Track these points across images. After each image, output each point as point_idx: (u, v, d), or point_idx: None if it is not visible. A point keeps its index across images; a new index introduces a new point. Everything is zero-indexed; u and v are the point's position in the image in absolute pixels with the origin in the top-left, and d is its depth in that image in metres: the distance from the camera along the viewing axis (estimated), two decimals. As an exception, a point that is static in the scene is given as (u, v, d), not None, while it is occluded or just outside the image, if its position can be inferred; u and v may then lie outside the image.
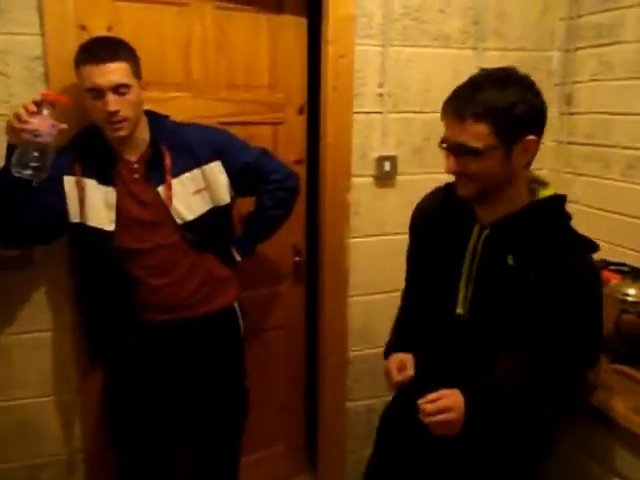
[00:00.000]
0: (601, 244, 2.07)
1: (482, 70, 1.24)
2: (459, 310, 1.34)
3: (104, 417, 1.89)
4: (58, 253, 1.76)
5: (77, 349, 1.85)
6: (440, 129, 2.10)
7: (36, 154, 1.41)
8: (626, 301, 1.68)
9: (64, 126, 1.46)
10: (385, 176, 2.11)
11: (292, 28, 2.06)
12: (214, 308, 1.77)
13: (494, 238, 1.28)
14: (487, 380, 1.28)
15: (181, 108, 1.87)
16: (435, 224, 1.42)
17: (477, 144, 1.15)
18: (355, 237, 2.13)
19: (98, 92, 1.50)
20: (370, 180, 2.11)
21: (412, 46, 2.05)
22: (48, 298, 1.81)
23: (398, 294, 2.19)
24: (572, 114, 2.18)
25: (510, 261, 1.24)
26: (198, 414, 1.85)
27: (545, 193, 1.29)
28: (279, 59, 2.06)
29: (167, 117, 1.72)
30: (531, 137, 1.18)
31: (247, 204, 1.87)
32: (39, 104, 1.42)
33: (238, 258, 1.82)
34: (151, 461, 1.84)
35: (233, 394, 1.91)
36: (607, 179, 2.04)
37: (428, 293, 1.45)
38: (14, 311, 1.79)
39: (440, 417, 1.23)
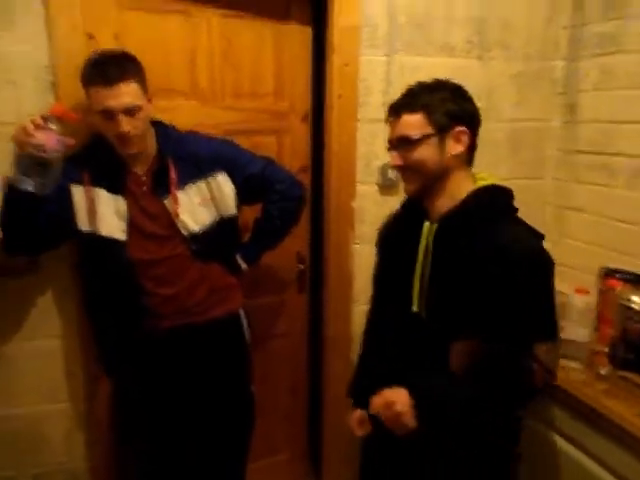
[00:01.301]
0: (606, 252, 2.10)
1: (417, 82, 1.37)
2: (415, 308, 1.38)
3: (112, 425, 1.90)
4: (64, 259, 1.77)
5: (84, 357, 1.86)
6: (444, 138, 2.14)
7: (40, 168, 1.42)
8: (631, 308, 1.68)
9: (71, 142, 1.47)
10: (389, 184, 2.11)
11: (297, 37, 2.07)
12: (220, 315, 1.77)
13: (443, 233, 1.35)
14: (432, 374, 1.33)
15: (187, 116, 1.88)
16: (395, 236, 1.51)
17: (413, 132, 1.29)
18: (359, 244, 2.14)
19: (110, 114, 1.50)
20: (374, 188, 2.11)
21: (417, 55, 2.06)
22: (55, 305, 1.81)
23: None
24: (576, 123, 2.19)
25: (459, 254, 1.30)
26: (206, 420, 1.84)
27: (483, 183, 1.37)
28: (284, 68, 2.08)
29: (173, 127, 1.72)
30: (461, 127, 1.31)
31: (252, 212, 1.88)
32: (46, 119, 1.44)
33: (244, 266, 1.82)
34: (161, 468, 1.84)
35: (241, 400, 1.91)
36: (612, 187, 2.04)
37: (389, 301, 1.51)
38: (21, 318, 1.79)
39: (388, 412, 1.29)
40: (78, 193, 1.60)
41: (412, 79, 2.01)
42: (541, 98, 2.25)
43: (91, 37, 1.75)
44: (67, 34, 1.69)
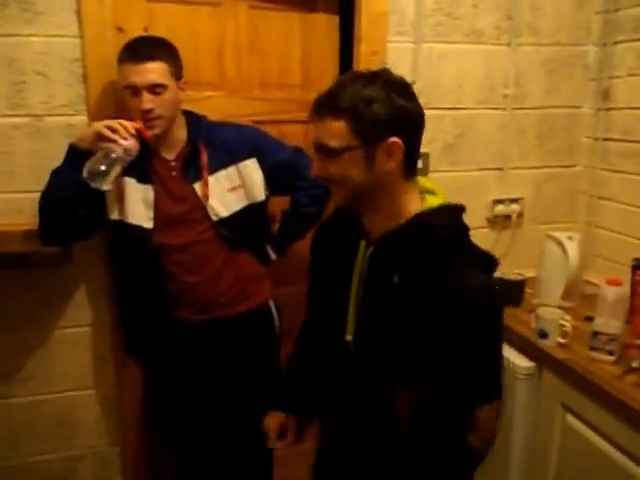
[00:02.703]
0: (637, 242, 2.06)
1: (352, 70, 1.17)
2: (348, 337, 1.19)
3: (142, 411, 1.93)
4: (95, 249, 1.80)
5: (114, 344, 1.90)
6: (473, 125, 2.12)
7: (117, 167, 1.51)
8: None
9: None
10: (417, 173, 2.09)
11: (324, 26, 2.06)
12: (250, 306, 1.78)
13: (379, 256, 1.14)
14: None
15: (215, 107, 1.89)
16: (331, 247, 1.29)
17: (334, 143, 1.04)
18: (387, 235, 2.13)
19: (134, 90, 1.54)
20: (402, 177, 2.10)
21: (444, 42, 2.03)
22: (87, 294, 1.86)
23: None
24: (608, 110, 2.14)
25: (396, 280, 1.10)
26: (234, 410, 1.86)
27: (433, 202, 1.14)
28: (311, 57, 2.07)
29: (204, 117, 1.74)
30: (394, 139, 1.04)
31: (280, 203, 1.88)
32: (136, 129, 1.54)
33: (273, 256, 1.84)
34: (191, 453, 1.87)
35: (270, 390, 1.92)
36: (646, 176, 2.00)
37: (320, 321, 1.33)
38: (54, 307, 1.84)
39: None
40: (110, 183, 1.62)
41: (440, 66, 2.05)
42: (572, 84, 2.20)
43: (121, 30, 1.76)
44: (97, 27, 1.72)
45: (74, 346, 1.88)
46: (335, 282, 1.22)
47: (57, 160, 1.60)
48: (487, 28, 2.06)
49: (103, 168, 1.48)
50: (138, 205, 1.64)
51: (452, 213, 1.14)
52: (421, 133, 1.11)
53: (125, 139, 1.51)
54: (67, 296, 1.84)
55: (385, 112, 1.02)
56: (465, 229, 1.15)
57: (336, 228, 1.27)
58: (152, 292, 1.71)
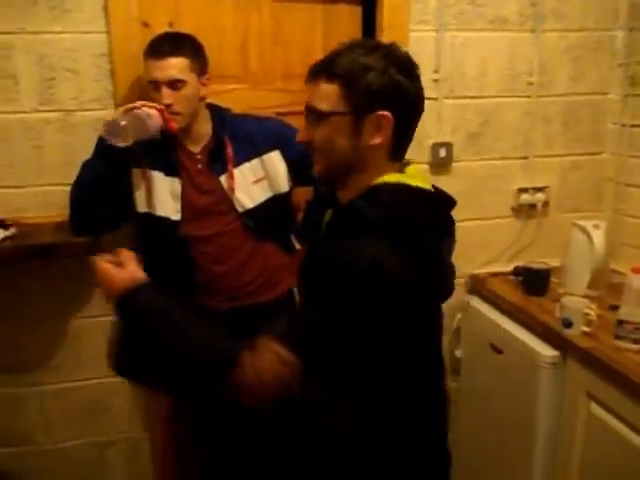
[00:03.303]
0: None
1: (356, 39, 1.11)
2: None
3: (170, 402, 1.98)
4: (124, 240, 1.84)
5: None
6: (497, 113, 2.10)
7: (137, 130, 1.54)
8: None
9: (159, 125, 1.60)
10: (441, 162, 2.10)
11: (347, 17, 2.06)
12: (276, 294, 1.81)
13: (332, 225, 1.10)
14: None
15: (239, 100, 1.92)
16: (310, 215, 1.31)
17: (323, 106, 1.02)
18: (410, 224, 2.13)
19: (156, 84, 1.59)
20: (425, 167, 2.10)
21: (468, 30, 2.02)
22: (116, 284, 1.90)
23: (460, 281, 2.20)
24: (636, 96, 2.10)
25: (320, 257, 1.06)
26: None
27: (388, 179, 1.04)
28: (334, 47, 2.07)
29: (228, 110, 1.77)
30: (384, 113, 1.00)
31: (304, 194, 1.90)
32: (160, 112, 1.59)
33: (298, 246, 1.86)
34: (216, 441, 1.92)
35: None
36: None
37: None
38: (83, 296, 1.90)
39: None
40: (137, 176, 1.67)
41: (463, 54, 2.04)
42: (599, 70, 2.17)
43: (146, 25, 1.80)
44: (123, 23, 1.75)
45: (103, 334, 1.92)
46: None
47: (86, 154, 1.65)
48: (511, 15, 2.04)
49: (123, 123, 1.52)
50: (166, 198, 1.68)
51: (401, 192, 1.03)
52: (416, 115, 1.07)
53: (149, 107, 1.56)
54: (95, 285, 1.88)
55: (379, 83, 0.99)
56: (411, 218, 1.00)
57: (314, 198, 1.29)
58: (180, 282, 1.74)
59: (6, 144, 1.75)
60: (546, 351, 1.76)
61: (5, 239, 1.61)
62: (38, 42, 1.71)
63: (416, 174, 1.10)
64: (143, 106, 1.57)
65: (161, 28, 1.79)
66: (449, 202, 1.12)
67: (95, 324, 1.91)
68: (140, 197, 1.68)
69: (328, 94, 1.01)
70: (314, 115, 1.03)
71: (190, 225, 1.70)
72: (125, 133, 1.53)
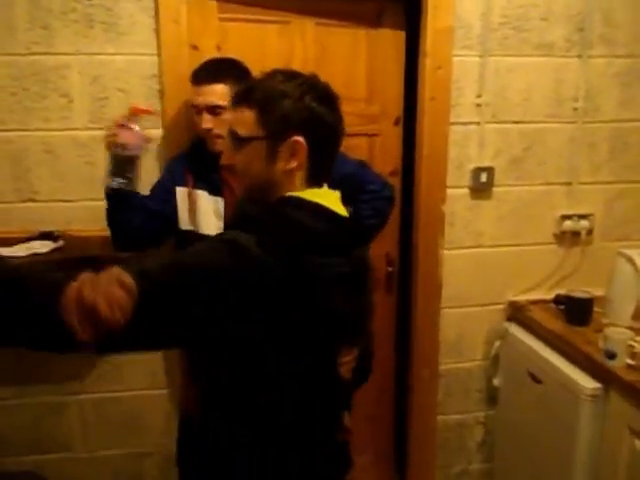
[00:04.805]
0: None
1: (277, 68, 1.12)
2: None
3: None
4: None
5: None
6: (541, 138, 2.08)
7: (127, 165, 1.55)
8: None
9: (150, 138, 1.61)
10: (481, 187, 2.08)
11: (390, 41, 2.09)
12: None
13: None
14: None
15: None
16: None
17: (242, 131, 1.05)
18: (449, 249, 2.12)
19: (197, 109, 1.65)
20: (465, 191, 2.09)
21: (512, 55, 2.01)
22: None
23: (493, 308, 2.18)
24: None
25: None
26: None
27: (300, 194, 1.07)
28: (376, 72, 2.10)
29: None
30: (297, 138, 1.03)
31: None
32: (127, 119, 1.55)
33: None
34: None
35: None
36: None
37: None
38: (126, 308, 1.94)
39: None
40: (181, 195, 1.71)
41: (507, 79, 2.03)
42: (649, 97, 2.12)
43: (195, 48, 1.86)
44: (173, 45, 1.82)
45: (143, 347, 1.97)
46: None
47: None
48: (557, 41, 2.02)
49: (114, 173, 1.54)
50: (209, 216, 1.72)
51: (290, 199, 1.05)
52: (332, 143, 1.10)
53: (116, 136, 1.53)
54: (138, 299, 1.94)
55: (293, 109, 1.03)
56: (288, 219, 1.03)
57: None
58: None
59: (59, 159, 1.83)
60: (587, 383, 1.71)
61: (53, 250, 1.67)
62: (93, 63, 1.79)
63: (324, 194, 1.10)
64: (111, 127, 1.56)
65: (209, 51, 1.86)
66: (355, 231, 1.14)
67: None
68: (183, 214, 1.72)
69: (247, 119, 1.04)
70: (234, 139, 1.06)
71: None
72: (124, 172, 1.55)
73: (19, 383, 1.95)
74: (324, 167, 1.10)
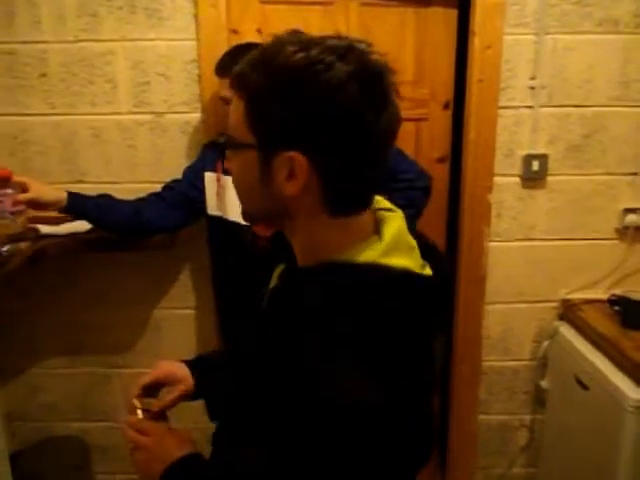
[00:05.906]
0: None
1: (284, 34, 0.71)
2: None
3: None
4: (199, 240, 1.92)
5: (216, 328, 2.01)
6: (604, 124, 1.91)
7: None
8: None
9: (22, 207, 1.54)
10: (533, 176, 1.94)
11: (440, 21, 1.98)
12: None
13: (278, 294, 0.84)
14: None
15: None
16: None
17: (232, 129, 0.73)
18: (496, 241, 2.00)
19: (224, 101, 1.62)
20: (516, 180, 1.95)
21: (572, 33, 1.85)
22: (192, 278, 2.00)
23: (543, 305, 2.04)
24: None
25: (270, 332, 0.79)
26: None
27: (359, 257, 0.71)
28: (425, 54, 2.01)
29: None
30: (292, 154, 0.68)
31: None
32: None
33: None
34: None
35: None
36: None
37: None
38: (162, 288, 2.01)
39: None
40: (210, 179, 1.73)
41: (565, 59, 1.88)
42: None
43: (235, 32, 1.87)
44: (213, 30, 1.83)
45: (180, 327, 2.03)
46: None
47: (173, 154, 1.80)
48: (624, 16, 1.83)
49: None
50: (236, 202, 1.71)
51: (379, 287, 0.70)
52: (372, 152, 0.71)
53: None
54: (174, 278, 1.99)
55: (293, 108, 0.67)
56: (375, 307, 0.68)
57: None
58: (247, 277, 1.78)
59: (104, 143, 1.91)
60: (634, 393, 1.56)
61: (92, 230, 1.74)
62: (135, 49, 1.84)
63: (397, 240, 0.74)
64: None
65: (250, 35, 1.86)
66: (434, 279, 0.76)
67: (173, 316, 2.02)
68: (211, 200, 1.73)
69: (238, 114, 0.72)
70: (227, 136, 0.75)
71: (260, 228, 1.73)
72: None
73: (70, 353, 2.07)
74: (355, 191, 0.73)
